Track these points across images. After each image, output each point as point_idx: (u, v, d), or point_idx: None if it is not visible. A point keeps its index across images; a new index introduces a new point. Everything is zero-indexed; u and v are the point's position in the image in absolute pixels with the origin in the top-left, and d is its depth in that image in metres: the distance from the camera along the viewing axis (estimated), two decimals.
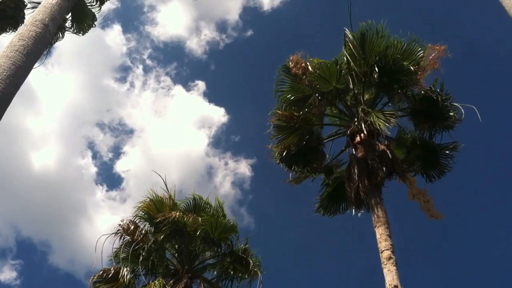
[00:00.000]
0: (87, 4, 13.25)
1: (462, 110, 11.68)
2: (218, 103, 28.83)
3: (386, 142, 11.69)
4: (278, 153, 12.63)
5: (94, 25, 13.69)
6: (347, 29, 11.93)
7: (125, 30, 29.81)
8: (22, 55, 5.76)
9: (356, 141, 11.49)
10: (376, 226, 10.35)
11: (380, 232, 10.20)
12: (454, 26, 22.58)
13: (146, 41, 29.34)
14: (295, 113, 12.20)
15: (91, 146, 28.85)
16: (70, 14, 12.72)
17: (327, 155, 12.98)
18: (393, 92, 12.08)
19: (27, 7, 12.38)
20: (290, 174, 13.01)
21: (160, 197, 12.20)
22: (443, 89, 11.81)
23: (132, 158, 29.05)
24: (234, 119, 27.77)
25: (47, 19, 6.19)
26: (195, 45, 28.92)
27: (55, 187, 27.68)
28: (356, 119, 11.69)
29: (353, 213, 12.14)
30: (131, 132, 29.80)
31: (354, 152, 11.56)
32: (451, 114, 11.89)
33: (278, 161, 12.89)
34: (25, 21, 6.22)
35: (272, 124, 12.43)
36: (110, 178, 28.65)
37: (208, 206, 12.78)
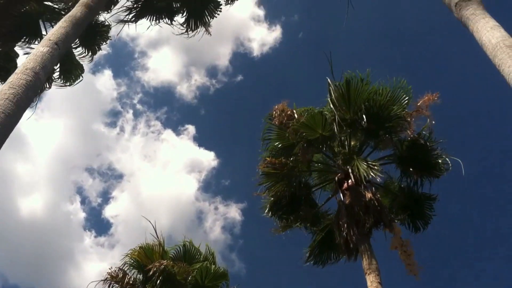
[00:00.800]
0: (78, 55, 13.36)
1: (448, 161, 11.83)
2: (208, 147, 29.04)
3: (373, 189, 11.74)
4: (267, 202, 12.63)
5: (81, 77, 13.77)
6: (330, 78, 12.17)
7: (115, 75, 30.19)
8: (12, 104, 5.73)
9: (344, 187, 11.52)
10: (366, 273, 10.28)
11: (371, 280, 10.13)
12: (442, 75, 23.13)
13: (136, 86, 29.73)
14: (282, 161, 12.25)
15: (80, 191, 28.74)
16: (58, 65, 12.83)
17: (317, 202, 12.99)
18: (379, 139, 12.21)
19: (19, 57, 12.58)
20: (279, 223, 12.94)
21: (150, 244, 12.01)
22: (432, 137, 12.01)
23: (121, 203, 28.92)
24: (224, 163, 27.84)
25: (38, 67, 6.20)
26: (186, 90, 29.31)
27: (43, 233, 27.23)
28: (343, 166, 11.75)
29: (344, 261, 12.03)
30: (120, 177, 29.73)
31: (342, 199, 11.56)
32: (439, 162, 12.01)
33: (267, 211, 12.86)
34: (16, 69, 6.20)
35: (260, 171, 12.47)
36: (98, 224, 28.41)
37: (198, 253, 12.58)
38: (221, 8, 13.36)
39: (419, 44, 24.57)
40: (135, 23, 12.92)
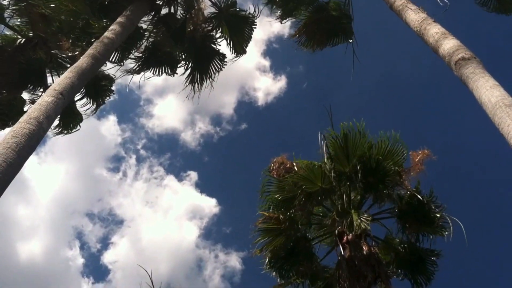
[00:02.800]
0: (81, 106, 13.53)
1: (449, 220, 11.73)
2: (210, 194, 28.84)
3: (373, 243, 11.64)
4: (266, 257, 12.48)
5: (79, 126, 13.83)
6: (329, 131, 12.27)
7: (120, 121, 30.34)
8: (14, 152, 5.76)
9: (344, 240, 11.40)
10: None
11: None
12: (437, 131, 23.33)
13: (140, 132, 29.91)
14: (281, 215, 12.16)
15: (79, 236, 28.30)
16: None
17: (317, 255, 12.82)
18: (378, 193, 12.16)
19: (25, 104, 12.71)
20: (279, 278, 12.73)
21: None
22: (432, 194, 11.97)
23: (120, 249, 28.47)
24: (225, 210, 27.64)
25: (41, 116, 6.26)
26: (190, 137, 29.47)
27: (41, 279, 26.69)
28: (343, 219, 11.64)
29: None
30: (121, 222, 29.46)
31: (342, 252, 11.41)
32: (439, 220, 11.90)
33: (266, 265, 12.68)
34: (21, 118, 6.26)
35: (257, 228, 12.35)
36: (97, 270, 27.79)
37: None
38: (226, 62, 13.57)
39: (420, 98, 24.90)
40: (139, 73, 13.13)
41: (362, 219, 10.77)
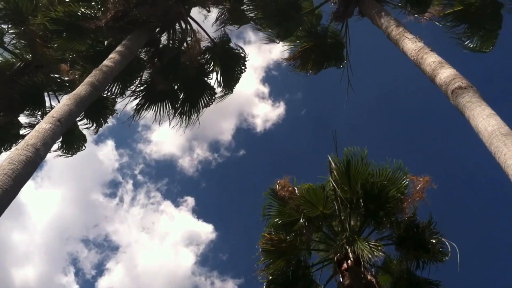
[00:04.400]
0: (82, 125, 13.61)
1: (448, 246, 11.63)
2: (206, 220, 28.68)
3: (373, 271, 11.54)
4: (265, 282, 12.37)
5: (84, 147, 13.92)
6: (332, 156, 12.28)
7: (118, 146, 30.37)
8: (10, 179, 5.79)
9: (343, 268, 11.29)
10: None
11: None
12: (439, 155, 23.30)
13: (138, 157, 29.92)
14: (282, 237, 12.11)
15: (74, 262, 28.12)
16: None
17: (317, 282, 12.69)
18: (379, 219, 12.10)
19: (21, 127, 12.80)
20: None
21: None
22: (431, 221, 11.88)
23: (115, 276, 28.27)
24: (222, 236, 27.49)
25: (39, 143, 6.30)
26: (187, 163, 29.43)
27: None
28: (342, 246, 11.56)
29: None
30: (116, 248, 29.38)
31: (341, 280, 11.30)
32: (437, 247, 11.81)
33: None
34: (18, 145, 6.30)
35: (260, 248, 12.29)
36: None
37: None
38: (214, 99, 13.67)
39: (417, 126, 24.97)
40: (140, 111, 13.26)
41: (370, 245, 10.69)
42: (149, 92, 13.03)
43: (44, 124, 6.65)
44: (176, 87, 13.33)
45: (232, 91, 13.81)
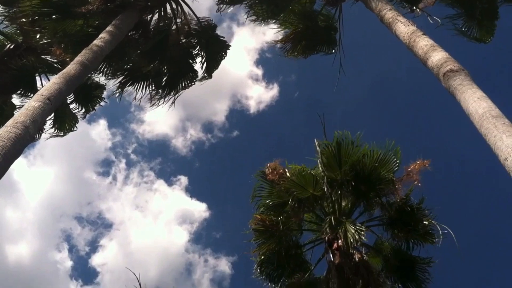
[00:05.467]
0: (72, 109, 13.54)
1: (439, 228, 11.74)
2: (200, 199, 28.81)
3: (363, 250, 11.65)
4: (257, 262, 12.49)
5: (75, 127, 13.86)
6: (319, 141, 12.31)
7: (110, 126, 30.31)
8: None
9: (334, 247, 11.39)
10: None
11: None
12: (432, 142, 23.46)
13: (131, 137, 29.92)
14: (273, 218, 12.18)
15: (68, 239, 28.32)
16: (52, 115, 12.95)
17: (308, 261, 12.84)
18: (369, 200, 12.19)
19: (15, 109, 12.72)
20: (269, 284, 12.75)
21: None
22: (422, 203, 11.98)
23: (109, 252, 28.53)
24: (215, 215, 27.67)
25: (28, 121, 6.26)
26: (181, 143, 29.46)
27: (29, 282, 26.67)
28: (333, 227, 11.64)
29: None
30: (110, 226, 29.54)
31: (332, 259, 11.41)
32: (428, 228, 11.92)
33: (256, 271, 12.69)
34: (7, 122, 6.25)
35: (252, 228, 12.38)
36: (85, 273, 27.76)
37: None
38: (195, 81, 13.71)
39: (409, 109, 25.11)
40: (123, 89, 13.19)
41: (356, 229, 10.76)
42: (133, 71, 12.99)
43: (34, 102, 6.60)
44: (162, 68, 13.31)
45: (211, 76, 13.90)
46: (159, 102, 13.58)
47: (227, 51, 13.74)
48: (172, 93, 13.52)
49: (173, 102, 13.60)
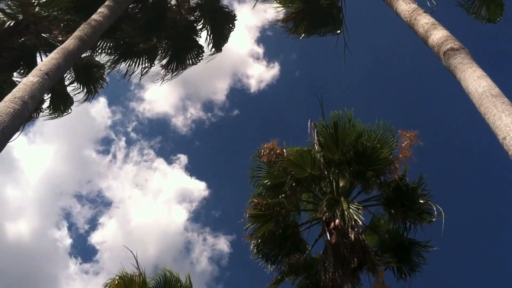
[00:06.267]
0: (72, 90, 13.44)
1: (434, 208, 11.78)
2: (199, 177, 28.77)
3: (359, 230, 11.71)
4: (255, 244, 12.57)
5: (70, 109, 13.74)
6: (314, 122, 12.30)
7: (110, 103, 30.16)
8: None
9: (331, 227, 11.46)
10: None
11: None
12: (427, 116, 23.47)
13: (131, 115, 29.76)
14: (270, 201, 12.21)
15: (67, 217, 28.30)
16: (49, 95, 12.88)
17: (306, 241, 12.95)
18: (367, 180, 12.22)
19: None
20: (267, 265, 12.87)
21: (130, 274, 11.73)
22: (420, 182, 12.02)
23: (108, 230, 28.52)
24: (215, 194, 27.69)
25: (26, 96, 6.20)
26: (181, 122, 29.38)
27: (28, 259, 26.83)
28: (330, 207, 11.70)
29: None
30: (109, 204, 29.51)
31: (329, 238, 11.48)
32: (425, 208, 11.96)
33: (254, 252, 12.79)
34: (5, 97, 6.20)
35: (248, 214, 12.40)
36: (84, 251, 27.86)
37: (179, 284, 12.29)
38: (202, 56, 13.56)
39: (410, 88, 25.06)
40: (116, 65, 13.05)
41: (352, 208, 10.81)
42: (132, 47, 12.84)
43: (32, 77, 6.53)
44: (163, 44, 13.17)
45: (221, 50, 13.69)
46: (164, 79, 13.49)
47: (234, 22, 13.53)
48: (178, 70, 13.43)
49: (173, 77, 13.51)
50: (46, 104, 13.36)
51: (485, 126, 6.01)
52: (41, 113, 13.27)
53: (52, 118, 13.65)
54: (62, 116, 13.73)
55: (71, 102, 13.63)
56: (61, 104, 13.54)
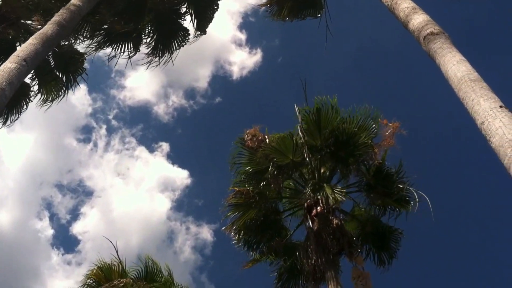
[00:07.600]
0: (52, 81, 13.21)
1: (415, 194, 11.86)
2: (182, 165, 28.69)
3: (341, 216, 11.79)
4: (237, 231, 12.57)
5: (63, 89, 13.44)
6: (298, 107, 12.30)
7: (91, 91, 29.83)
8: None
9: (313, 214, 11.53)
10: None
11: None
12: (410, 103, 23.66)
13: (112, 102, 29.44)
14: (250, 189, 12.21)
15: (48, 207, 28.26)
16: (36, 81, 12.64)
17: (288, 228, 12.99)
18: (348, 166, 12.29)
19: None
20: (249, 251, 12.90)
21: (109, 264, 11.66)
22: (400, 168, 12.12)
23: (90, 220, 28.44)
24: (197, 182, 27.66)
25: (4, 83, 6.11)
26: (162, 110, 29.18)
27: (9, 250, 26.55)
28: (312, 193, 11.75)
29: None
30: (91, 193, 29.42)
31: (311, 225, 11.55)
32: (404, 195, 12.05)
33: (236, 239, 12.79)
34: None
35: (228, 203, 12.38)
36: (66, 241, 27.87)
37: (160, 274, 12.25)
38: (188, 39, 13.42)
39: (392, 73, 25.22)
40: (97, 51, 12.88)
41: (336, 192, 10.88)
42: (110, 32, 12.69)
43: (10, 64, 6.43)
44: (146, 29, 13.01)
45: (205, 32, 13.59)
46: (150, 64, 13.34)
47: (218, 2, 13.47)
48: (165, 54, 13.29)
49: (161, 63, 13.36)
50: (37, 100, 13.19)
51: (464, 111, 6.08)
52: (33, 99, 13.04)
53: (45, 103, 13.41)
54: (57, 99, 13.48)
55: (62, 83, 13.39)
56: (52, 86, 13.33)
